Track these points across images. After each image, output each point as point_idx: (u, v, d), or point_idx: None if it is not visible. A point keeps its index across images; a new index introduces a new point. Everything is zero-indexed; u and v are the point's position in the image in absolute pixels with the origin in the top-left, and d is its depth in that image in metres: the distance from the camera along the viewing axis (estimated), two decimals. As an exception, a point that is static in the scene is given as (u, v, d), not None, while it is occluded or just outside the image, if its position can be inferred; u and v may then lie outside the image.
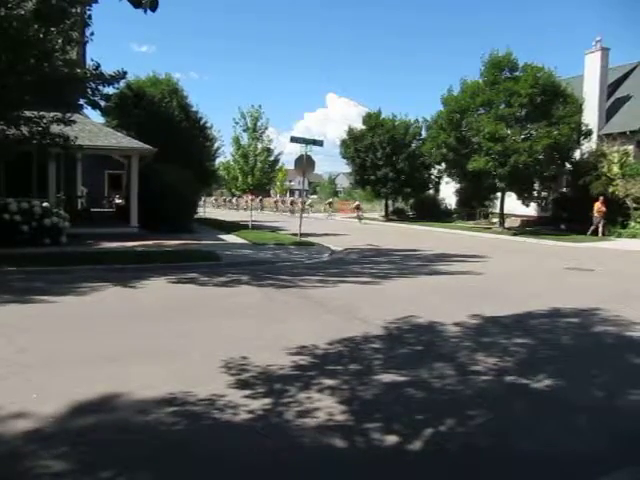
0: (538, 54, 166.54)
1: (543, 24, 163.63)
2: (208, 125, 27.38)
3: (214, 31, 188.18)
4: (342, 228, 27.14)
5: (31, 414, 4.11)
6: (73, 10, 11.98)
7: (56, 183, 16.72)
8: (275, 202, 50.01)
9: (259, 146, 24.41)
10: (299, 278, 11.07)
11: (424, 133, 31.83)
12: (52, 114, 13.17)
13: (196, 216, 24.35)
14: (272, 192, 74.21)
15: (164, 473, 3.44)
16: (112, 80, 13.36)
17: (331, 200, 46.54)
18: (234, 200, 50.46)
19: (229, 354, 5.63)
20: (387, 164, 32.51)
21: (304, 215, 20.79)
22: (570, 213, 24.88)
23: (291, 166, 24.18)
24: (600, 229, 22.21)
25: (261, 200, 46.79)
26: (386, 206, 36.84)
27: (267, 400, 4.49)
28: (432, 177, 33.96)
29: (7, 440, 3.73)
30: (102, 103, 14.19)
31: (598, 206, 22.32)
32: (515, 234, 23.89)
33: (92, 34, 12.90)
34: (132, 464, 3.49)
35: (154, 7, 4.26)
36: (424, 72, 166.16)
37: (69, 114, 13.47)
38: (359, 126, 34.64)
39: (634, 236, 21.47)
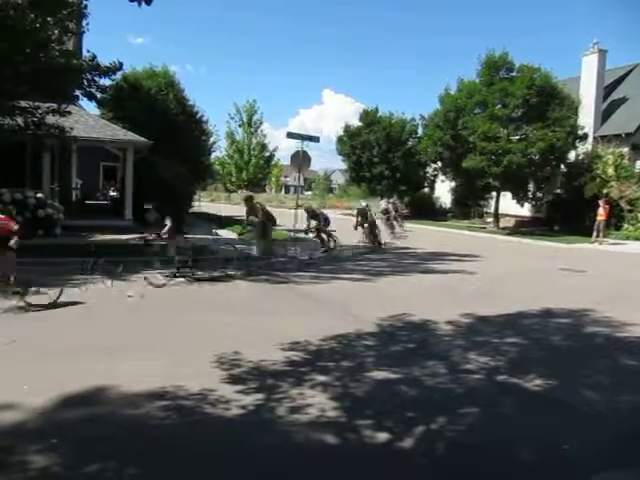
0: (536, 55, 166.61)
1: (541, 25, 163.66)
2: (204, 119, 27.32)
3: (211, 24, 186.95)
4: (336, 225, 27.09)
5: (20, 406, 4.09)
6: (70, 0, 11.91)
7: (50, 174, 16.60)
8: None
9: (254, 141, 24.29)
10: (293, 274, 11.07)
11: (420, 131, 31.83)
12: (47, 105, 13.08)
13: (191, 210, 24.29)
14: (267, 188, 74.05)
15: (152, 467, 3.43)
16: (108, 71, 13.29)
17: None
18: None
19: (221, 349, 5.62)
20: (383, 161, 32.50)
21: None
22: (564, 214, 24.94)
23: (286, 162, 24.15)
24: (600, 233, 20.30)
25: None
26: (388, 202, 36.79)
27: (259, 395, 4.49)
28: (427, 175, 33.96)
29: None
30: (98, 94, 14.10)
31: (600, 210, 20.59)
32: (509, 234, 23.94)
33: (88, 24, 12.86)
34: (120, 458, 3.48)
35: (149, 0, 4.26)
36: (422, 70, 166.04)
37: (65, 105, 13.39)
38: (355, 123, 34.65)
39: (627, 238, 21.55)
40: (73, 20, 12.57)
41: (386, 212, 20.29)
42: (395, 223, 20.73)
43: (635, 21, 77.78)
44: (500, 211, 26.45)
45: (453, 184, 28.63)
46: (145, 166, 18.47)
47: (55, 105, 13.14)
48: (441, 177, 30.24)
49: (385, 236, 18.38)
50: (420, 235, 20.86)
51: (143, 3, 4.49)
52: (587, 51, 27.39)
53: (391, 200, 23.77)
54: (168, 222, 11.02)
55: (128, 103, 22.42)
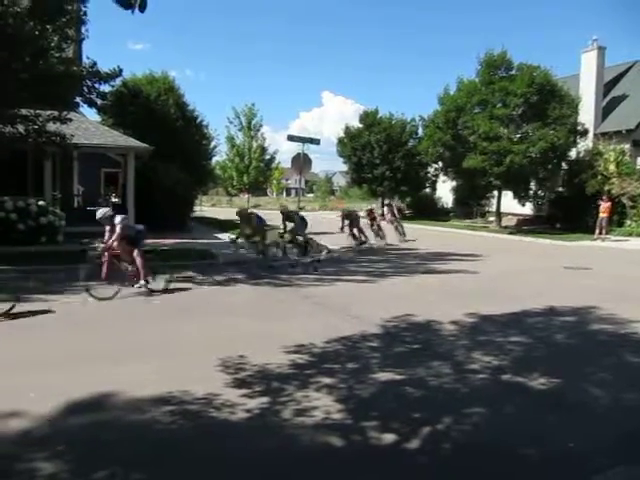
0: (534, 52, 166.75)
1: (540, 23, 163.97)
2: (204, 124, 27.37)
3: (210, 30, 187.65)
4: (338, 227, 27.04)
5: (27, 413, 4.10)
6: (69, 7, 11.93)
7: (52, 182, 16.63)
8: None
9: (254, 144, 24.27)
10: (296, 277, 11.07)
11: (421, 132, 31.81)
12: (48, 112, 13.09)
13: (192, 215, 24.31)
14: (269, 191, 74.14)
15: (159, 473, 3.43)
16: (108, 78, 13.29)
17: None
18: None
19: (226, 353, 5.62)
20: (384, 163, 32.49)
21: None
22: (566, 212, 24.91)
23: (287, 165, 24.14)
24: (603, 230, 20.65)
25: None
26: (382, 205, 36.80)
27: (264, 399, 4.49)
28: (429, 176, 33.95)
29: (1, 440, 3.72)
30: (98, 101, 14.11)
31: (602, 207, 20.93)
32: (511, 233, 23.92)
33: (87, 31, 12.88)
34: (127, 464, 3.48)
35: (143, 8, 4.29)
36: (421, 71, 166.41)
37: (65, 112, 13.39)
38: (356, 124, 34.65)
39: (630, 235, 21.50)
40: (72, 27, 12.55)
41: (370, 212, 18.73)
42: (398, 227, 19.32)
43: (633, 19, 77.70)
44: (502, 210, 26.43)
45: (454, 184, 28.63)
46: (146, 172, 18.51)
47: (56, 112, 13.14)
48: (442, 177, 30.25)
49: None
50: (422, 235, 20.82)
51: (137, 10, 4.51)
52: (586, 48, 27.39)
53: (386, 202, 22.91)
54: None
55: (128, 109, 22.48)
